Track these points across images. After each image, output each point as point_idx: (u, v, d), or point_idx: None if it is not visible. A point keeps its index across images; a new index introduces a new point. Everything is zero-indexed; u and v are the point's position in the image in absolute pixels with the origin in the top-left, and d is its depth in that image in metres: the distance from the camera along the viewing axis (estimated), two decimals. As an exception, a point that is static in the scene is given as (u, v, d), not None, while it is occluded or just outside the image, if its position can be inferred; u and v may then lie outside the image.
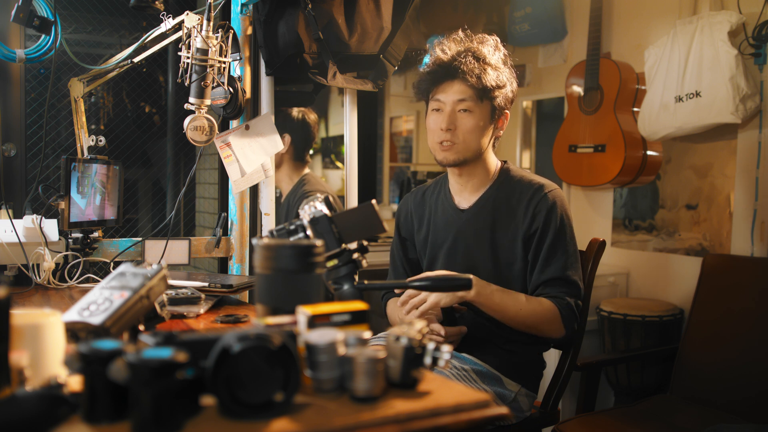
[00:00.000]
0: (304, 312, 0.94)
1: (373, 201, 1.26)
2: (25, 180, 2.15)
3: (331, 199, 1.26)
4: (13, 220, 1.79)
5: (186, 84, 1.78)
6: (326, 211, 1.23)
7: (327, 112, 4.89)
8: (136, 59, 1.93)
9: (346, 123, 2.32)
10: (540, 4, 3.37)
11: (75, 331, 0.98)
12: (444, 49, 1.71)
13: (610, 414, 2.16)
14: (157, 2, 1.82)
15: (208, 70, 1.76)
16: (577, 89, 3.07)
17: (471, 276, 1.37)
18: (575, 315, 1.63)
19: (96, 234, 1.92)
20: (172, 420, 0.73)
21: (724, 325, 2.33)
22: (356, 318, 0.97)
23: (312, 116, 2.77)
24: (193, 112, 1.81)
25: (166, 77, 2.75)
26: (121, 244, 2.02)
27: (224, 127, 2.15)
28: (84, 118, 1.97)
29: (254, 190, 2.22)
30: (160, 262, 1.77)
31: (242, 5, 2.13)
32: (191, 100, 1.79)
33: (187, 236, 2.32)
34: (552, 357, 2.03)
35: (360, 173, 2.34)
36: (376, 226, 1.25)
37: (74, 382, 0.80)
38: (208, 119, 1.82)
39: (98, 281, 1.83)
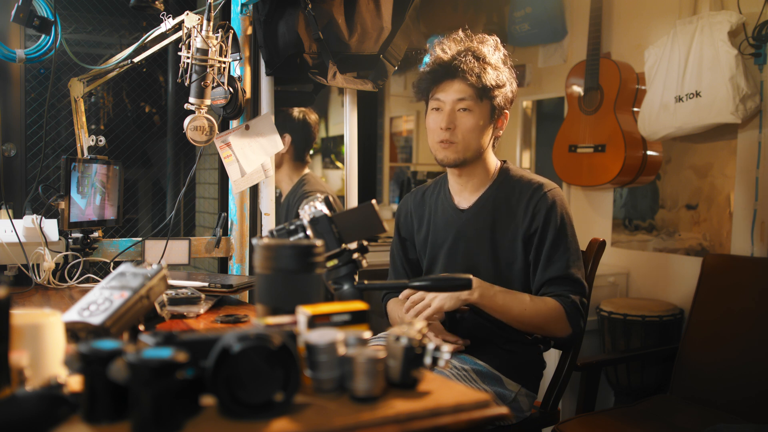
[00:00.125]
0: (304, 312, 0.94)
1: (373, 201, 1.26)
2: (25, 180, 2.15)
3: (331, 199, 1.26)
4: (13, 220, 1.79)
5: (186, 84, 1.78)
6: (326, 211, 1.23)
7: (327, 112, 4.89)
8: (136, 59, 1.93)
9: (346, 123, 2.32)
10: (540, 4, 3.37)
11: (75, 331, 0.98)
12: (444, 48, 1.71)
13: (610, 414, 2.16)
14: (157, 2, 1.82)
15: (208, 70, 1.76)
16: (577, 89, 3.07)
17: (471, 276, 1.37)
18: (581, 313, 1.63)
19: (96, 234, 1.92)
20: (172, 420, 0.73)
21: (724, 325, 2.33)
22: (356, 318, 0.97)
23: (312, 116, 2.77)
24: (193, 112, 1.81)
25: (166, 77, 2.75)
26: (121, 244, 2.02)
27: (224, 127, 2.15)
28: (84, 118, 1.97)
29: (254, 190, 2.22)
30: (160, 262, 1.77)
31: (242, 5, 2.13)
32: (191, 100, 1.79)
33: (187, 236, 2.32)
34: (552, 357, 2.03)
35: (360, 173, 2.34)
36: (376, 226, 1.25)
37: (74, 382, 0.80)
38: (208, 119, 1.82)
39: (98, 281, 1.83)
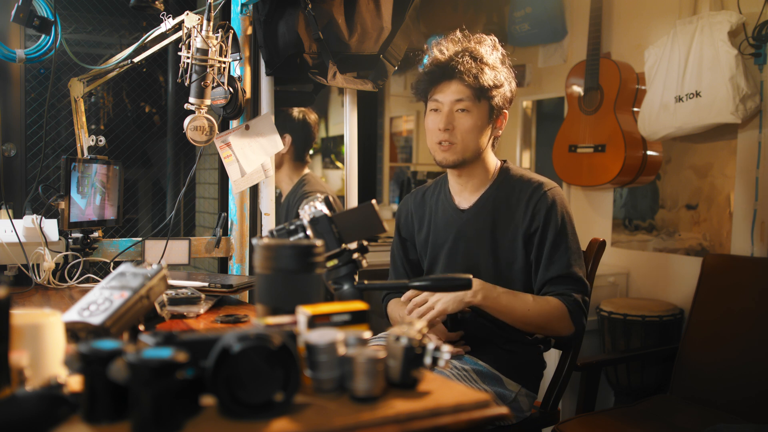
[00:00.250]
0: (304, 312, 0.94)
1: (373, 201, 1.26)
2: (25, 180, 2.15)
3: (331, 199, 1.26)
4: (13, 220, 1.79)
5: (186, 84, 1.78)
6: (326, 211, 1.23)
7: (327, 112, 4.89)
8: (136, 59, 1.93)
9: (346, 123, 2.32)
10: (540, 4, 3.37)
11: (75, 331, 0.98)
12: (442, 49, 1.72)
13: (610, 414, 2.16)
14: (157, 2, 1.82)
15: (208, 70, 1.76)
16: (577, 89, 3.07)
17: (471, 276, 1.37)
18: (583, 311, 1.63)
19: (96, 234, 1.92)
20: (172, 420, 0.73)
21: (724, 325, 2.33)
22: (356, 318, 0.97)
23: (312, 116, 2.77)
24: (193, 112, 1.81)
25: (166, 77, 2.75)
26: (121, 244, 2.02)
27: (224, 127, 2.15)
28: (84, 118, 1.97)
29: (254, 190, 2.22)
30: (160, 262, 1.77)
31: (242, 5, 2.13)
32: (191, 100, 1.79)
33: (187, 236, 2.32)
34: (552, 357, 2.03)
35: (360, 173, 2.34)
36: (376, 226, 1.25)
37: (74, 382, 0.80)
38: (208, 119, 1.82)
39: (98, 281, 1.83)
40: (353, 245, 1.25)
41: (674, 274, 2.88)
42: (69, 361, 0.76)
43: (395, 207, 4.34)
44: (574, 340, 1.76)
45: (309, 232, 1.21)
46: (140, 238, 2.04)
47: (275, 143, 2.12)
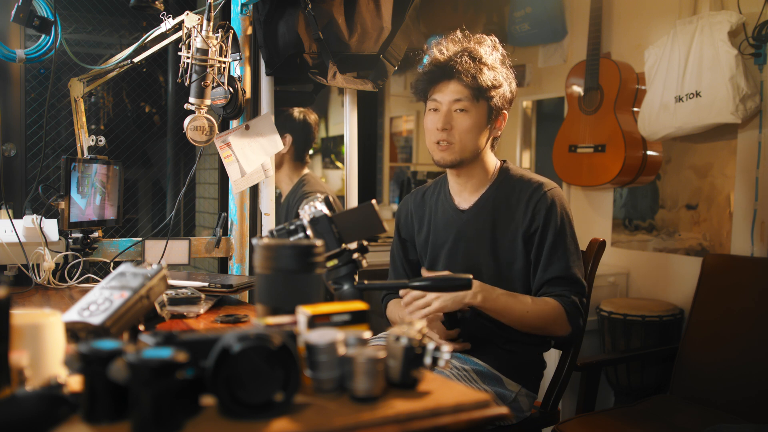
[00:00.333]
0: (304, 312, 0.94)
1: (373, 201, 1.26)
2: (25, 180, 2.15)
3: (331, 199, 1.26)
4: (13, 220, 1.79)
5: (186, 84, 1.78)
6: (326, 211, 1.23)
7: (327, 112, 4.89)
8: (136, 59, 1.93)
9: (346, 123, 2.32)
10: (540, 4, 3.37)
11: (75, 331, 0.98)
12: (441, 49, 1.72)
13: (610, 414, 2.16)
14: (157, 2, 1.82)
15: (208, 70, 1.76)
16: (577, 89, 3.07)
17: (470, 276, 1.37)
18: (580, 312, 1.64)
19: (96, 234, 1.92)
20: (172, 420, 0.73)
21: (724, 325, 2.33)
22: (356, 318, 0.97)
23: (312, 116, 2.77)
24: (193, 112, 1.81)
25: (166, 77, 2.75)
26: (121, 244, 2.02)
27: (224, 127, 2.15)
28: (84, 118, 1.97)
29: (254, 190, 2.22)
30: (160, 262, 1.77)
31: (242, 5, 2.13)
32: (191, 100, 1.79)
33: (187, 236, 2.32)
34: (552, 357, 2.02)
35: (360, 173, 2.34)
36: (376, 226, 1.25)
37: (74, 382, 0.80)
38: (208, 119, 1.82)
39: (98, 281, 1.83)
40: (353, 245, 1.25)
41: (674, 274, 2.88)
42: (69, 361, 0.76)
43: (395, 207, 4.34)
44: (570, 340, 1.76)
45: (309, 232, 1.21)
46: (140, 238, 2.04)
47: (275, 143, 2.12)
